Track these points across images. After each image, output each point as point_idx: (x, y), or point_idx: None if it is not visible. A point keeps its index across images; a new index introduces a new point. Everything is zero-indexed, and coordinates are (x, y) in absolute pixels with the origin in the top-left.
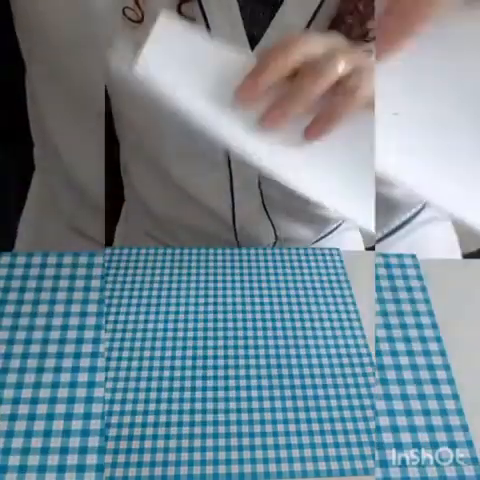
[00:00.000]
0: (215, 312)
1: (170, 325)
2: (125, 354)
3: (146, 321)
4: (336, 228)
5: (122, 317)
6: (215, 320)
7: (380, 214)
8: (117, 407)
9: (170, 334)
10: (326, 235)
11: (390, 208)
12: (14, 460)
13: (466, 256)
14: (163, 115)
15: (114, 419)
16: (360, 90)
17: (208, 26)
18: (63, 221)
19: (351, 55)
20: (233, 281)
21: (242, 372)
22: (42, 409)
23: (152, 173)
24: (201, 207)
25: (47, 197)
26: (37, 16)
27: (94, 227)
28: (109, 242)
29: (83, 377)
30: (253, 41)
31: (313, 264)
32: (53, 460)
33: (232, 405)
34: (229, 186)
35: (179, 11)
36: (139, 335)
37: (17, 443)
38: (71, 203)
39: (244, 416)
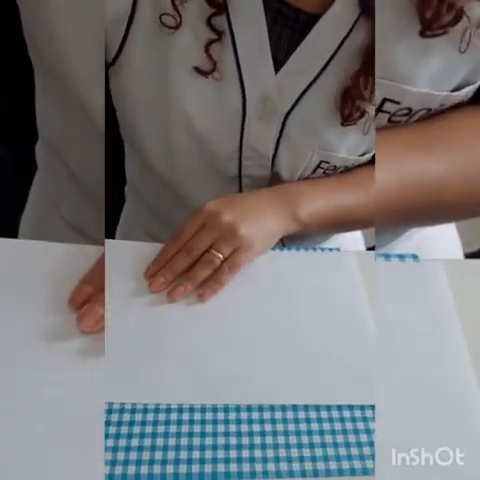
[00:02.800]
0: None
1: None
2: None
3: None
4: None
5: None
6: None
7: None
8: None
9: None
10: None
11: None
12: None
13: (467, 256)
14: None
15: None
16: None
17: (234, 41)
18: (63, 221)
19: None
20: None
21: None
22: None
23: (159, 187)
24: None
25: (48, 197)
26: (48, 23)
27: (95, 227)
28: None
29: None
30: (277, 64)
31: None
32: None
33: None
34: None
35: (209, 23)
36: None
37: None
38: (72, 203)
39: (243, 415)
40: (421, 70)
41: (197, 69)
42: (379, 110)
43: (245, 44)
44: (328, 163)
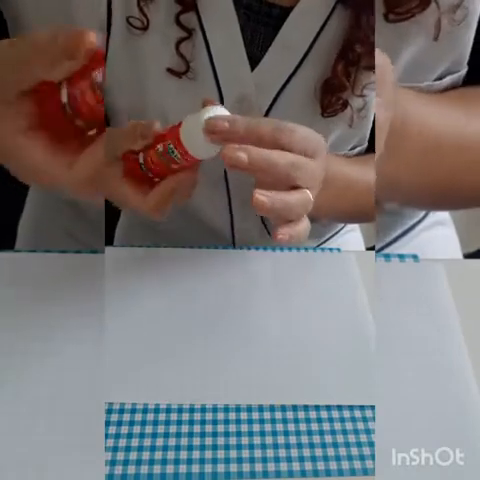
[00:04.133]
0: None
1: None
2: None
3: None
4: (338, 232)
5: None
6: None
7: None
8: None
9: None
10: (327, 239)
11: (393, 216)
12: None
13: (466, 257)
14: None
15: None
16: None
17: (206, 40)
18: (61, 228)
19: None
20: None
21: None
22: None
23: None
24: (200, 223)
25: (45, 204)
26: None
27: (92, 239)
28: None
29: None
30: (253, 61)
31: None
32: None
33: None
34: (227, 204)
35: (177, 21)
36: None
37: None
38: (69, 210)
39: (243, 415)
40: (394, 61)
41: (170, 70)
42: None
43: (217, 42)
44: None
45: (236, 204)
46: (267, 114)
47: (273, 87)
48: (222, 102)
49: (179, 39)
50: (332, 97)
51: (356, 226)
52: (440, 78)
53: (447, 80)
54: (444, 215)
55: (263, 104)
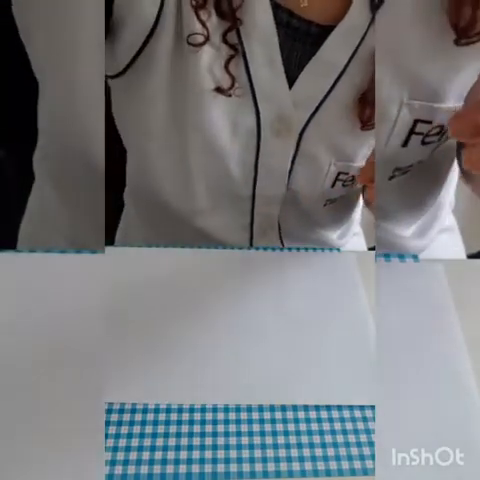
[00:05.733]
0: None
1: None
2: None
3: None
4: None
5: None
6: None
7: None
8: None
9: None
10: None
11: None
12: None
13: (467, 257)
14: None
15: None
16: None
17: (245, 57)
18: (60, 231)
19: None
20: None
21: None
22: None
23: (156, 209)
24: (213, 240)
25: (44, 206)
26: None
27: (93, 236)
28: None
29: None
30: (289, 79)
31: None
32: None
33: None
34: (249, 221)
35: (224, 39)
36: None
37: None
38: (69, 213)
39: (243, 415)
40: (452, 85)
41: (218, 88)
42: (412, 132)
43: (257, 60)
44: (347, 174)
45: (259, 222)
46: (304, 129)
47: (311, 104)
48: (259, 120)
49: (229, 57)
50: (371, 110)
51: (360, 230)
52: None
53: None
54: (450, 221)
55: (300, 122)
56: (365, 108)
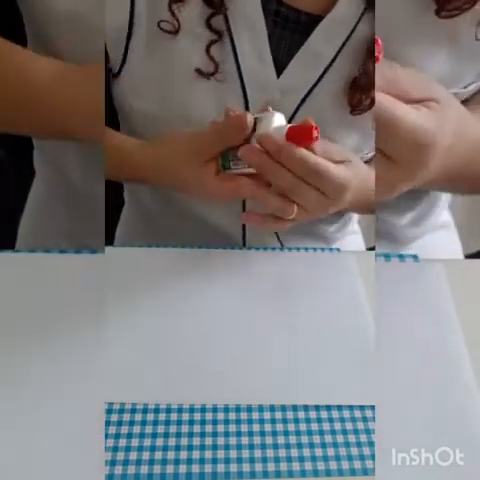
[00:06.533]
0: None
1: None
2: None
3: None
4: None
5: None
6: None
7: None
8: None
9: None
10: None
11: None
12: None
13: (466, 257)
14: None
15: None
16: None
17: (233, 44)
18: (59, 229)
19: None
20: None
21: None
22: None
23: (157, 196)
24: (209, 226)
25: (44, 205)
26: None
27: (92, 236)
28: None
29: None
30: (278, 67)
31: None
32: None
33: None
34: (242, 208)
35: (208, 24)
36: None
37: None
38: (68, 211)
39: (243, 415)
40: (432, 66)
41: (199, 71)
42: None
43: (244, 47)
44: None
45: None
46: (293, 116)
47: (299, 92)
48: (247, 106)
49: (210, 41)
50: (362, 95)
51: (358, 229)
52: (465, 86)
53: (472, 87)
54: (447, 218)
55: (289, 109)
56: (355, 93)
